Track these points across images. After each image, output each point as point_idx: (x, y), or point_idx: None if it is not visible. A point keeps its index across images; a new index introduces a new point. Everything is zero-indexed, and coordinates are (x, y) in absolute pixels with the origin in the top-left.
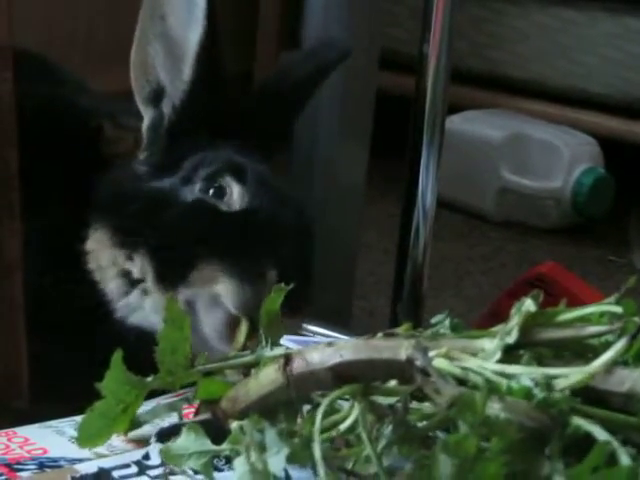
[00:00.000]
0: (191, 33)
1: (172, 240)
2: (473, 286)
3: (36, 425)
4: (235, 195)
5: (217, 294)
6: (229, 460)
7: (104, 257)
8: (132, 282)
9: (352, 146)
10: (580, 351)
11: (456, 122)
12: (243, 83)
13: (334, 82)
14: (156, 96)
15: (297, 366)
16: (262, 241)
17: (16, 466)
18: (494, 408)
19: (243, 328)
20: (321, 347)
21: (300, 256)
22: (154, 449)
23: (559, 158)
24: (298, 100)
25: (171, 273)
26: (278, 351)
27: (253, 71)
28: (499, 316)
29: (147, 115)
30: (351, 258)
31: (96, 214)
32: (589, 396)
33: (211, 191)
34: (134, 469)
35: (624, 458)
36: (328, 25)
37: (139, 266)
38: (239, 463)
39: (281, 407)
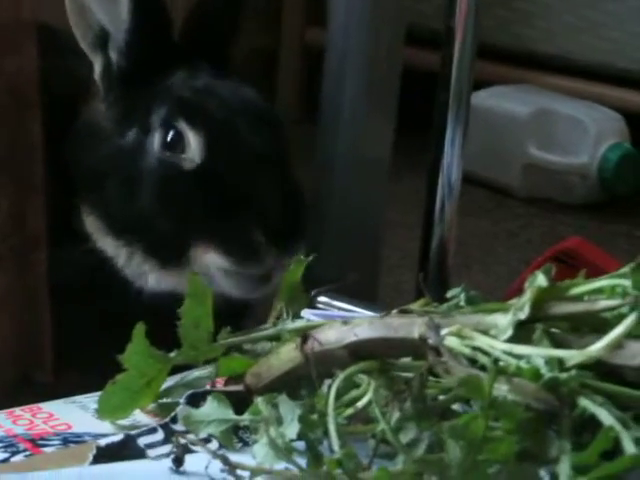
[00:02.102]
0: None
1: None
2: (499, 262)
3: (61, 400)
4: (193, 144)
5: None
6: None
7: (103, 241)
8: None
9: (378, 121)
10: (594, 324)
11: (482, 97)
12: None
13: (360, 57)
14: (101, 41)
15: (314, 344)
16: (235, 200)
17: (40, 441)
18: (502, 390)
19: (277, 305)
20: (336, 325)
21: (279, 192)
22: (182, 412)
23: (585, 133)
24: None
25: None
26: (299, 324)
27: (280, 46)
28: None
29: (97, 62)
30: (377, 234)
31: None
32: (602, 370)
33: (169, 137)
34: (160, 435)
35: (628, 445)
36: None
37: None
38: (259, 436)
39: (302, 383)
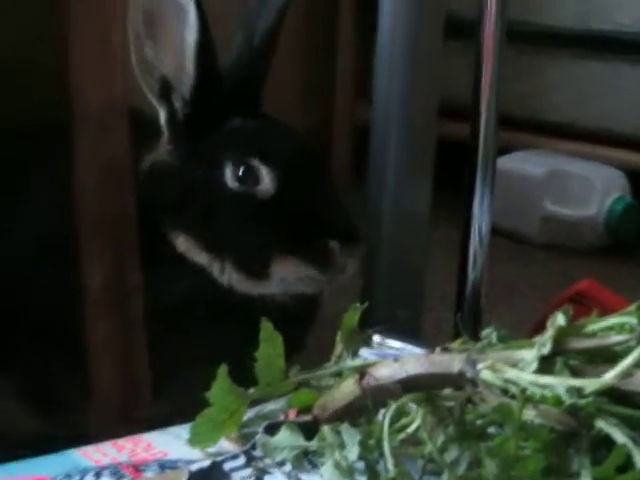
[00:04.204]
0: (187, 33)
1: (239, 239)
2: (523, 301)
3: (157, 431)
4: (266, 178)
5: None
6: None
7: (197, 256)
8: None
9: (417, 183)
10: (606, 356)
11: (505, 162)
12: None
13: (401, 129)
14: (165, 92)
15: (370, 380)
16: (312, 217)
17: (141, 467)
18: (529, 415)
19: (338, 345)
20: (389, 363)
21: (337, 199)
22: (260, 440)
23: (593, 189)
24: (269, 50)
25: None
26: (357, 362)
27: (333, 119)
28: (545, 327)
29: (162, 110)
30: (420, 278)
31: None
32: (615, 395)
33: (241, 171)
34: (242, 460)
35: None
36: (392, 80)
37: (219, 267)
38: (326, 459)
39: (361, 412)
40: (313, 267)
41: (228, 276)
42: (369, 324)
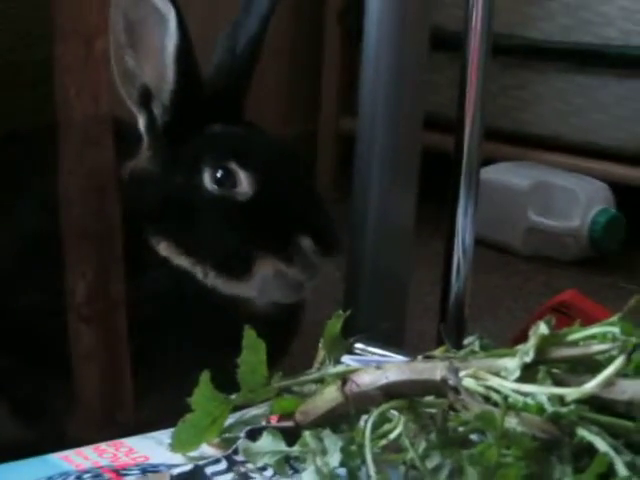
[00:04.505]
0: (168, 41)
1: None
2: (506, 311)
3: (139, 436)
4: (244, 181)
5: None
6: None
7: (179, 260)
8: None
9: (402, 195)
10: (589, 365)
11: (489, 172)
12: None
13: (385, 142)
14: (145, 99)
15: (352, 387)
16: (287, 216)
17: (123, 471)
18: (511, 422)
19: (320, 352)
20: (371, 370)
21: (315, 199)
22: (242, 445)
23: (577, 201)
24: (252, 58)
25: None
26: (339, 369)
27: (317, 129)
28: (528, 336)
29: (141, 117)
30: (404, 288)
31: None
32: (597, 404)
33: (219, 174)
34: (224, 465)
35: (621, 468)
36: (378, 93)
37: (202, 270)
38: (308, 465)
39: (343, 419)
40: (290, 266)
41: (211, 279)
42: (352, 333)
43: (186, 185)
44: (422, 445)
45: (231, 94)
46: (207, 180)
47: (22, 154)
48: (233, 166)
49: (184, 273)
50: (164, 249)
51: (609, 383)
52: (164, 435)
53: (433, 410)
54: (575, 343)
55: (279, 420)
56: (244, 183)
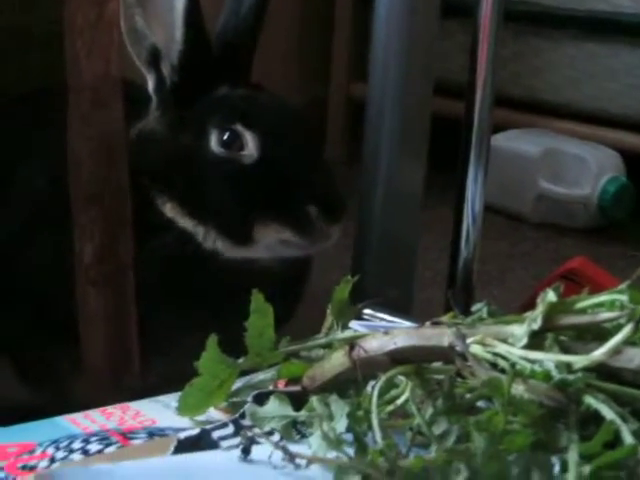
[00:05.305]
0: (177, 1)
1: (221, 203)
2: (515, 279)
3: (146, 400)
4: (250, 143)
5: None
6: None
7: (183, 222)
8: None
9: (411, 162)
10: (596, 333)
11: (500, 140)
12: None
13: (395, 107)
14: (154, 59)
15: (359, 352)
16: (293, 182)
17: (129, 435)
18: (518, 389)
19: (328, 318)
20: (379, 335)
21: (323, 166)
22: (249, 410)
23: (587, 169)
24: (258, 19)
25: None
26: (347, 334)
27: (328, 95)
28: (536, 304)
29: (150, 77)
30: (412, 256)
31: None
32: (604, 372)
33: (225, 136)
34: (231, 429)
35: (627, 436)
36: (389, 59)
37: (203, 232)
38: (314, 429)
39: (350, 384)
40: (294, 232)
41: (212, 242)
42: (359, 300)
43: (193, 146)
44: (429, 411)
45: (238, 55)
46: (214, 142)
47: (31, 116)
48: (240, 128)
49: (190, 236)
50: (169, 210)
51: (616, 351)
52: (171, 399)
53: (440, 376)
54: (583, 311)
55: (286, 385)
56: (250, 145)
